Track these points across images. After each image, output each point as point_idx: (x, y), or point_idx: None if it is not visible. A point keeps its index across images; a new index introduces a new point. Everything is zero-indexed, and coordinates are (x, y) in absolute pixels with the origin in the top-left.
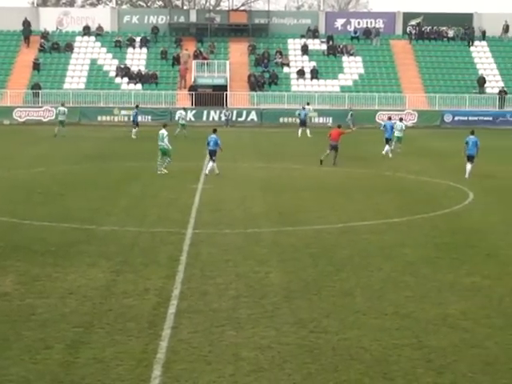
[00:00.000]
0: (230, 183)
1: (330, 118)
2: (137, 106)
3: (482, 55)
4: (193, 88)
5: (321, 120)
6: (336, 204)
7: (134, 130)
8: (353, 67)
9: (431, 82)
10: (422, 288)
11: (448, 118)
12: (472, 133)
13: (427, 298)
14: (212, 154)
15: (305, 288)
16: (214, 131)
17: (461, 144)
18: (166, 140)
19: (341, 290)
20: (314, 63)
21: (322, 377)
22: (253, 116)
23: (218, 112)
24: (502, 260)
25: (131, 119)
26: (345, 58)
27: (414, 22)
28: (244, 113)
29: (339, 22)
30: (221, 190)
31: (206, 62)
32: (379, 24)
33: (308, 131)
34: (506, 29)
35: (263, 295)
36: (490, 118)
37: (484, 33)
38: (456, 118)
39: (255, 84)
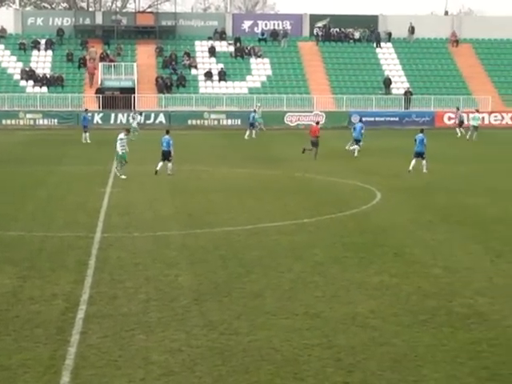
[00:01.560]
0: (139, 186)
1: (239, 120)
2: (86, 110)
3: (387, 57)
4: (100, 91)
5: (229, 122)
6: (245, 205)
7: (84, 135)
8: (260, 69)
9: (338, 83)
10: (331, 288)
11: (355, 119)
12: (421, 131)
13: (336, 298)
14: (165, 154)
15: (215, 290)
16: (167, 132)
17: (369, 144)
18: (118, 143)
19: (251, 292)
20: (221, 65)
21: (233, 378)
22: (161, 118)
23: (125, 115)
24: (408, 259)
25: (82, 124)
26: (252, 60)
27: (320, 24)
28: (152, 115)
29: (246, 24)
30: (129, 193)
31: (112, 64)
32: (286, 26)
33: (254, 133)
34: (411, 30)
35: (173, 298)
36: (397, 119)
37: (390, 34)
38: (363, 119)
39: (163, 86)
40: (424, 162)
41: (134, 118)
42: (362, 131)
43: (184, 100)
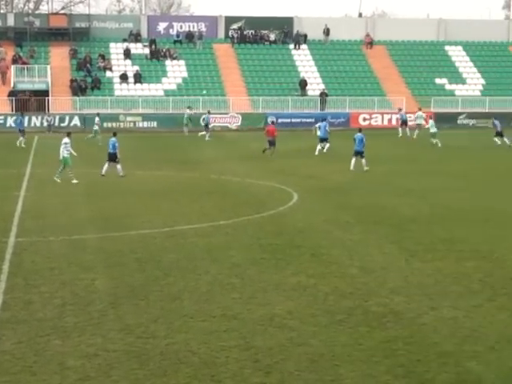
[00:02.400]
0: (54, 190)
1: (155, 122)
2: (21, 114)
3: (303, 58)
4: (13, 93)
5: (145, 124)
6: (162, 208)
7: (21, 139)
8: (176, 71)
9: (254, 85)
10: (248, 289)
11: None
12: (359, 130)
13: (254, 299)
14: (111, 156)
15: (132, 293)
16: (114, 134)
17: (284, 146)
18: (62, 147)
19: (168, 295)
20: (137, 67)
21: (151, 382)
22: (76, 121)
23: (39, 117)
24: (325, 259)
25: (17, 127)
26: (168, 62)
27: (235, 26)
28: (67, 118)
29: (161, 26)
30: (44, 197)
31: (25, 66)
32: (202, 28)
33: (207, 135)
34: (326, 32)
35: (89, 302)
36: (312, 120)
37: (305, 36)
38: (279, 120)
39: (77, 89)
40: (363, 160)
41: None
42: (327, 129)
43: (99, 103)
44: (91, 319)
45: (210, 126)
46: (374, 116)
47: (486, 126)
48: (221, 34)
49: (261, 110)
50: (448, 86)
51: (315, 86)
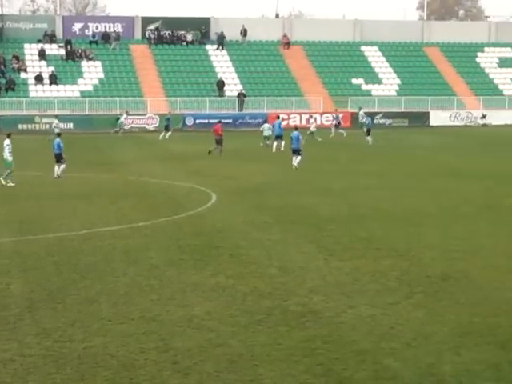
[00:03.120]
0: None
1: (71, 124)
2: None
3: (220, 59)
4: None
5: (61, 126)
6: (79, 210)
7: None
8: (92, 72)
9: (172, 85)
10: (167, 291)
11: (189, 121)
12: (296, 129)
13: (172, 301)
14: (56, 157)
15: (48, 297)
16: (58, 135)
17: (203, 146)
18: (6, 150)
19: (86, 298)
20: (52, 68)
21: None
22: None
23: None
24: (244, 259)
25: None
26: (84, 63)
27: (152, 27)
28: None
29: (77, 27)
30: None
31: None
32: (118, 28)
33: (167, 135)
34: (243, 33)
35: (4, 307)
36: (230, 121)
37: (222, 37)
38: (197, 121)
39: None
40: (299, 157)
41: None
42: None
43: (13, 104)
44: (7, 324)
45: (125, 127)
46: (291, 116)
47: (401, 126)
48: (137, 34)
49: (179, 111)
50: (364, 86)
51: (233, 87)
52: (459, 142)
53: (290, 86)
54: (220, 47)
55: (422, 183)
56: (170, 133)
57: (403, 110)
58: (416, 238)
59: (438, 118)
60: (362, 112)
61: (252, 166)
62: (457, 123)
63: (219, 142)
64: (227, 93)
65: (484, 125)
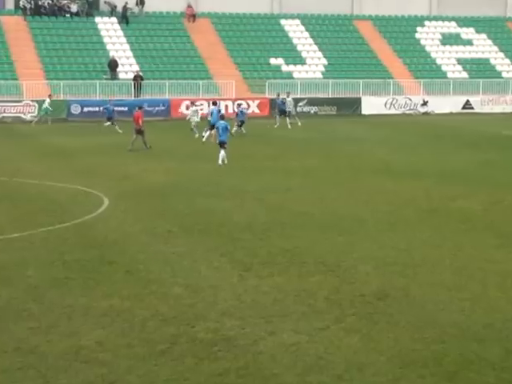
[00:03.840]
0: None
1: None
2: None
3: (112, 34)
4: None
5: None
6: None
7: None
8: None
9: (53, 66)
10: (49, 316)
11: (76, 110)
12: (222, 118)
13: (56, 329)
14: None
15: None
16: None
17: (93, 140)
18: None
19: None
20: None
21: None
22: None
23: None
24: (143, 277)
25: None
26: None
27: None
28: None
29: None
30: None
31: None
32: None
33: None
34: (140, 3)
35: None
36: (125, 109)
37: (114, 7)
38: (85, 110)
39: None
40: (223, 152)
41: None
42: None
43: None
44: None
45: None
46: (198, 103)
47: (329, 114)
48: (9, 4)
49: (62, 97)
50: (285, 68)
51: (128, 68)
52: (396, 133)
53: (196, 67)
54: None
55: (352, 183)
56: (108, 123)
57: (330, 96)
58: (347, 249)
59: (372, 105)
60: (290, 99)
61: (153, 163)
62: (393, 111)
63: (140, 133)
64: (121, 75)
65: (425, 113)
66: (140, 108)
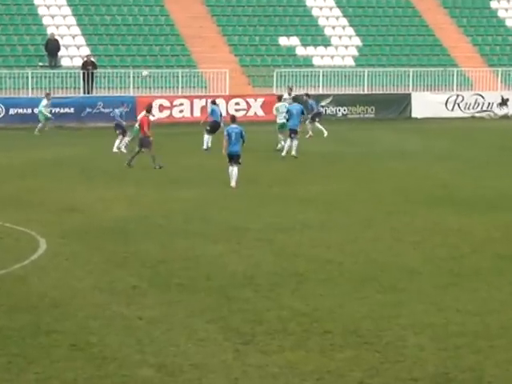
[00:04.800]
0: None
1: None
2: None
3: (51, 2)
4: None
5: None
6: None
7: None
8: None
9: None
10: None
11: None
12: (233, 120)
13: None
14: None
15: None
16: None
17: (19, 156)
18: None
19: None
20: None
21: None
22: None
23: None
24: (96, 353)
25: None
26: None
27: None
28: None
29: None
30: None
31: None
32: None
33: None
34: None
35: None
36: (71, 110)
37: None
38: (12, 111)
39: None
40: (236, 169)
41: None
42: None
43: None
44: None
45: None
46: (176, 103)
47: (364, 118)
48: None
49: None
50: (301, 51)
51: (74, 51)
52: (462, 146)
53: (173, 51)
54: None
55: (398, 218)
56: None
57: (366, 92)
58: (392, 313)
59: (427, 104)
60: (282, 104)
61: (113, 189)
62: (458, 114)
63: (145, 144)
64: (64, 61)
65: (505, 116)
66: (148, 111)
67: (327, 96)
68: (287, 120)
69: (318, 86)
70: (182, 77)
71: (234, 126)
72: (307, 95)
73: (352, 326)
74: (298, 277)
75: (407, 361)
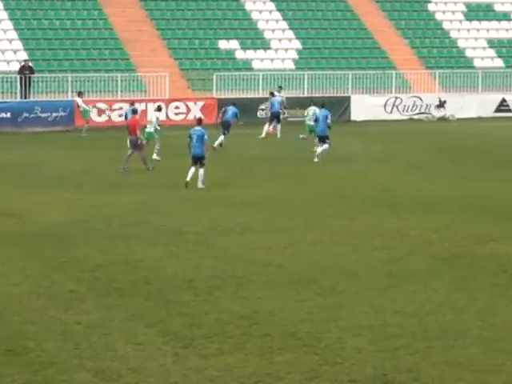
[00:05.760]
0: None
1: None
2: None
3: None
4: None
5: None
6: None
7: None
8: None
9: None
10: None
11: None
12: (199, 122)
13: None
14: None
15: None
16: None
17: None
18: None
19: None
20: None
21: None
22: None
23: None
24: (32, 358)
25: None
26: None
27: None
28: None
29: None
30: None
31: None
32: None
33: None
34: None
35: None
36: (8, 115)
37: None
38: None
39: None
40: (202, 171)
41: None
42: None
43: None
44: None
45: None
46: (115, 107)
47: (304, 121)
48: None
49: None
50: (241, 54)
51: (10, 56)
52: (400, 148)
53: (112, 54)
54: None
55: (338, 220)
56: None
57: (306, 95)
58: (331, 316)
59: (366, 107)
60: (313, 108)
61: (50, 193)
62: (396, 116)
63: (137, 146)
64: (1, 66)
65: (442, 118)
66: (134, 112)
67: (267, 99)
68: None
69: (258, 90)
70: (121, 81)
71: (197, 128)
72: (271, 94)
73: (291, 329)
74: (237, 280)
75: (346, 363)
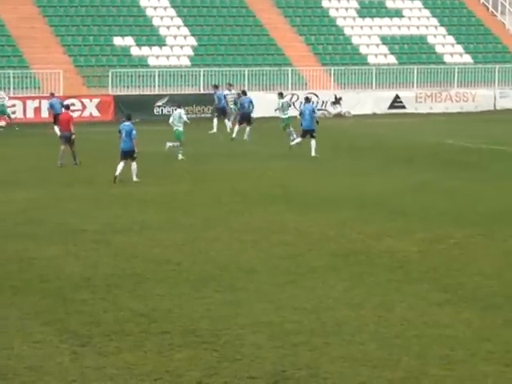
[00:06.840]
0: None
1: None
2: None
3: None
4: None
5: None
6: None
7: None
8: None
9: None
10: None
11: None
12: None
13: None
14: None
15: None
16: None
17: None
18: None
19: None
20: None
21: None
22: None
23: None
24: None
25: None
26: None
27: None
28: None
29: None
30: None
31: None
32: None
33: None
34: None
35: None
36: None
37: None
38: None
39: None
40: (135, 164)
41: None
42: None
43: None
44: None
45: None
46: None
47: (202, 118)
48: None
49: None
50: (136, 51)
51: None
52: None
53: (4, 51)
54: None
55: (236, 217)
56: None
57: (202, 92)
58: (230, 313)
59: (263, 104)
60: (285, 101)
61: None
62: (291, 112)
63: (69, 141)
64: None
65: (338, 115)
66: (67, 108)
67: (163, 96)
68: (301, 124)
69: (154, 86)
70: (14, 77)
71: (126, 123)
72: (243, 93)
73: (190, 326)
74: (136, 277)
75: (245, 359)
